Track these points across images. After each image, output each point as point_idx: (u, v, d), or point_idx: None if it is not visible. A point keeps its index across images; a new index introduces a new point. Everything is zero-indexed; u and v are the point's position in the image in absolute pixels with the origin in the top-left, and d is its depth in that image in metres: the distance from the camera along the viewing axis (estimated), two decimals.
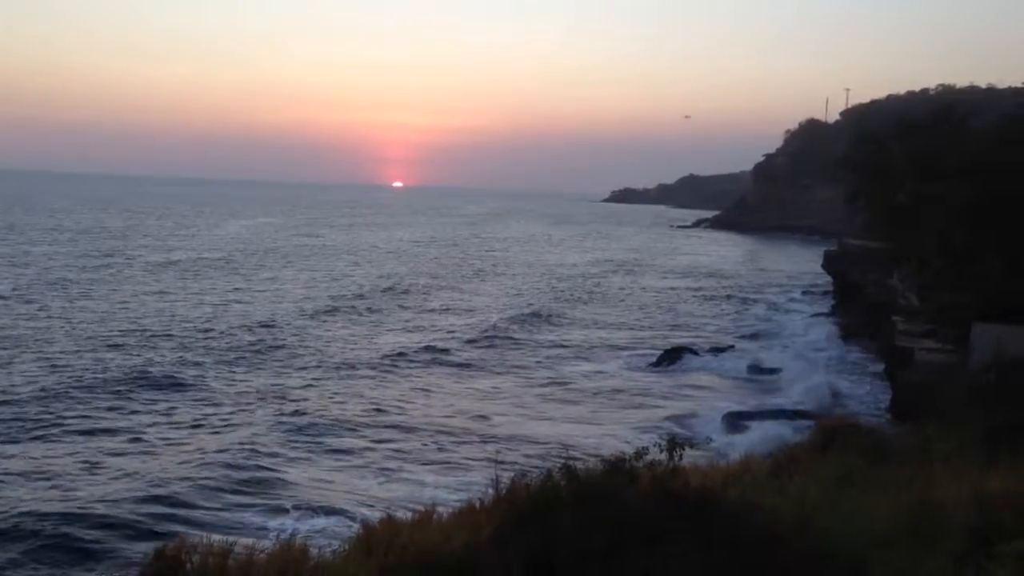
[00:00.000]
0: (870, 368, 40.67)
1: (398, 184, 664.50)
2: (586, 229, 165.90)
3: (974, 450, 12.42)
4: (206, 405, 29.81)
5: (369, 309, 53.70)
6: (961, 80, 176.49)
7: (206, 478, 22.20)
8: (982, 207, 30.74)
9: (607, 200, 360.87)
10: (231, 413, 28.97)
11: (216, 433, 26.64)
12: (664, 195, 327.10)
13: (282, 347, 40.12)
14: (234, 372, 34.82)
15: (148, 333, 41.32)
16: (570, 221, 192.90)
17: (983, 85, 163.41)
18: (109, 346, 38.00)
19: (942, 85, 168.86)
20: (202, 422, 27.76)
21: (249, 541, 8.19)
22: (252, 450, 24.56)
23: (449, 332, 46.98)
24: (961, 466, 10.48)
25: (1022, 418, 15.06)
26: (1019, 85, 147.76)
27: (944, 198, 35.70)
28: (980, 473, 9.65)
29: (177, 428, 27.02)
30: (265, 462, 23.84)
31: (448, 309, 56.03)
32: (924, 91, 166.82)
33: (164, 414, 28.37)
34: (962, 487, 8.54)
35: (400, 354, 39.88)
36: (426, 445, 26.59)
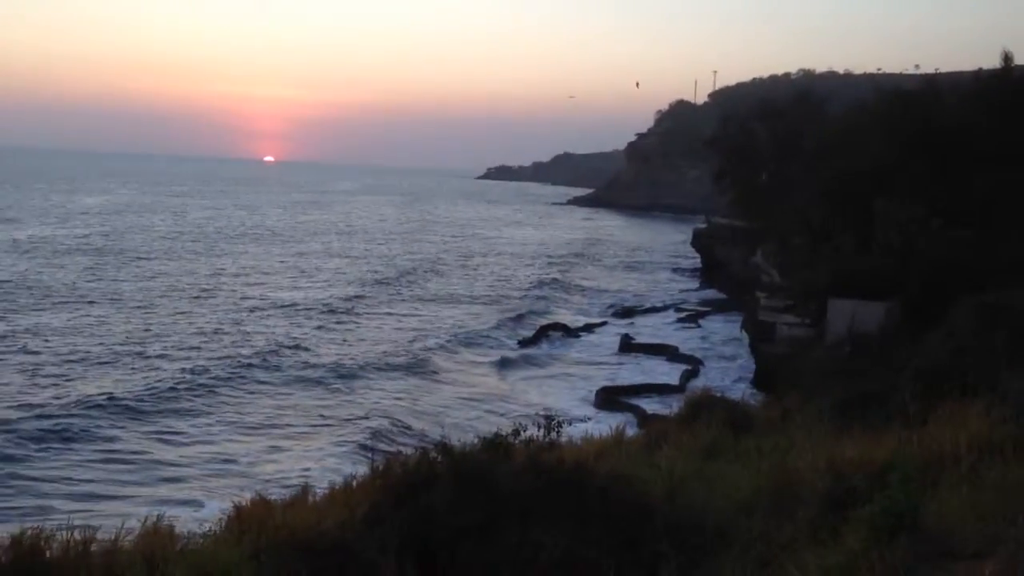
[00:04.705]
0: (736, 341, 42.23)
1: (269, 159, 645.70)
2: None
3: (829, 419, 13.06)
4: None
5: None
6: (820, 65, 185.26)
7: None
8: (835, 187, 32.28)
9: (482, 177, 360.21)
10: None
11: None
12: (539, 172, 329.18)
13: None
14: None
15: None
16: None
17: (840, 71, 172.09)
18: None
19: (803, 70, 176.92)
20: None
21: (117, 524, 7.81)
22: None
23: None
24: (817, 435, 11.00)
25: (872, 388, 15.90)
26: (873, 71, 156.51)
27: (803, 178, 37.34)
28: (835, 441, 10.15)
29: None
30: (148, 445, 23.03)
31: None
32: (786, 75, 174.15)
33: None
34: (818, 455, 8.96)
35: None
36: (302, 426, 26.17)
